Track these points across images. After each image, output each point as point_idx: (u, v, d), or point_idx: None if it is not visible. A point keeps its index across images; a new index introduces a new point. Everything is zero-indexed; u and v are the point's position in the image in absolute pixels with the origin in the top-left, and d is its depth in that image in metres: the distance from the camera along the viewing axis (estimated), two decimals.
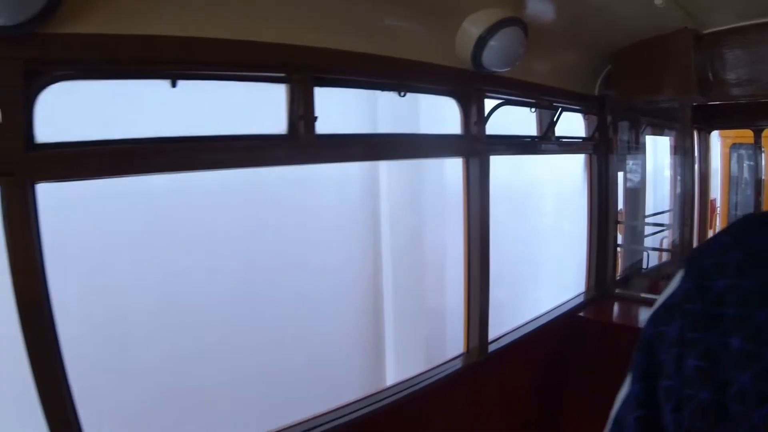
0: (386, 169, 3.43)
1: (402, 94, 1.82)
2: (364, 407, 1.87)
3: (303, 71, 1.52)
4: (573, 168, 5.15)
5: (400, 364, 3.60)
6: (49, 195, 1.26)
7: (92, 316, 2.15)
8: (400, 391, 2.00)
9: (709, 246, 0.51)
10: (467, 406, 2.26)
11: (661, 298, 0.53)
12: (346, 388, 2.66)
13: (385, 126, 2.97)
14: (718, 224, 6.47)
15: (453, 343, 3.26)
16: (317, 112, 1.56)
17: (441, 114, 2.59)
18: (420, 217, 3.56)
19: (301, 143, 1.54)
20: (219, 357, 2.59)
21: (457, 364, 2.25)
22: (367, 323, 3.58)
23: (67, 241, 1.99)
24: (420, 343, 3.65)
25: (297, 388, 2.81)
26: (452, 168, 3.60)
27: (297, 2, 1.47)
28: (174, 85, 1.33)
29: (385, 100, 2.95)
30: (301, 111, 1.52)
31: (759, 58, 2.68)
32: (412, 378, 2.10)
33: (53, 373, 1.21)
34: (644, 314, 2.93)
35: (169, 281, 2.46)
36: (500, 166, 2.50)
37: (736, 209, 6.33)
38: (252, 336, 2.74)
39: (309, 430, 1.71)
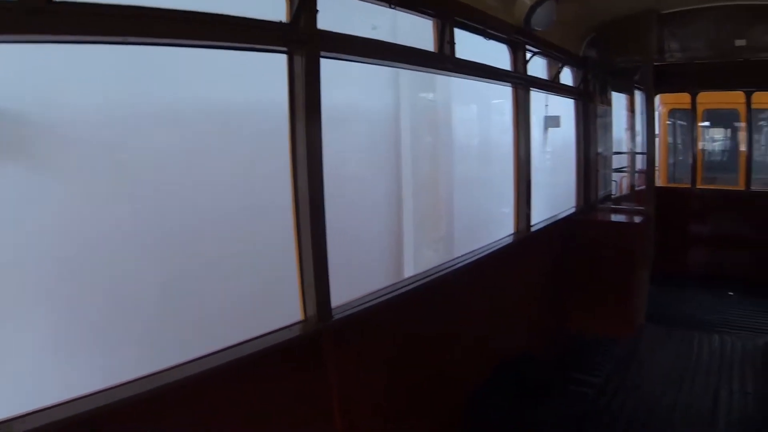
0: (407, 101, 4.60)
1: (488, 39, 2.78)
2: (442, 270, 2.57)
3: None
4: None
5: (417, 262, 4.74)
6: None
7: None
8: (473, 257, 2.80)
9: None
10: (517, 267, 3.28)
11: None
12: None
13: None
14: (658, 178, 7.87)
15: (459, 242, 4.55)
16: None
17: None
18: (434, 141, 4.67)
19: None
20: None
21: (510, 239, 3.25)
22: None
23: None
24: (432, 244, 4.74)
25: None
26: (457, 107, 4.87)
27: None
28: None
29: None
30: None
31: (697, 33, 3.91)
32: (480, 248, 2.96)
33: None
34: (615, 216, 4.29)
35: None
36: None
37: (674, 168, 7.70)
38: None
39: (400, 288, 2.28)
